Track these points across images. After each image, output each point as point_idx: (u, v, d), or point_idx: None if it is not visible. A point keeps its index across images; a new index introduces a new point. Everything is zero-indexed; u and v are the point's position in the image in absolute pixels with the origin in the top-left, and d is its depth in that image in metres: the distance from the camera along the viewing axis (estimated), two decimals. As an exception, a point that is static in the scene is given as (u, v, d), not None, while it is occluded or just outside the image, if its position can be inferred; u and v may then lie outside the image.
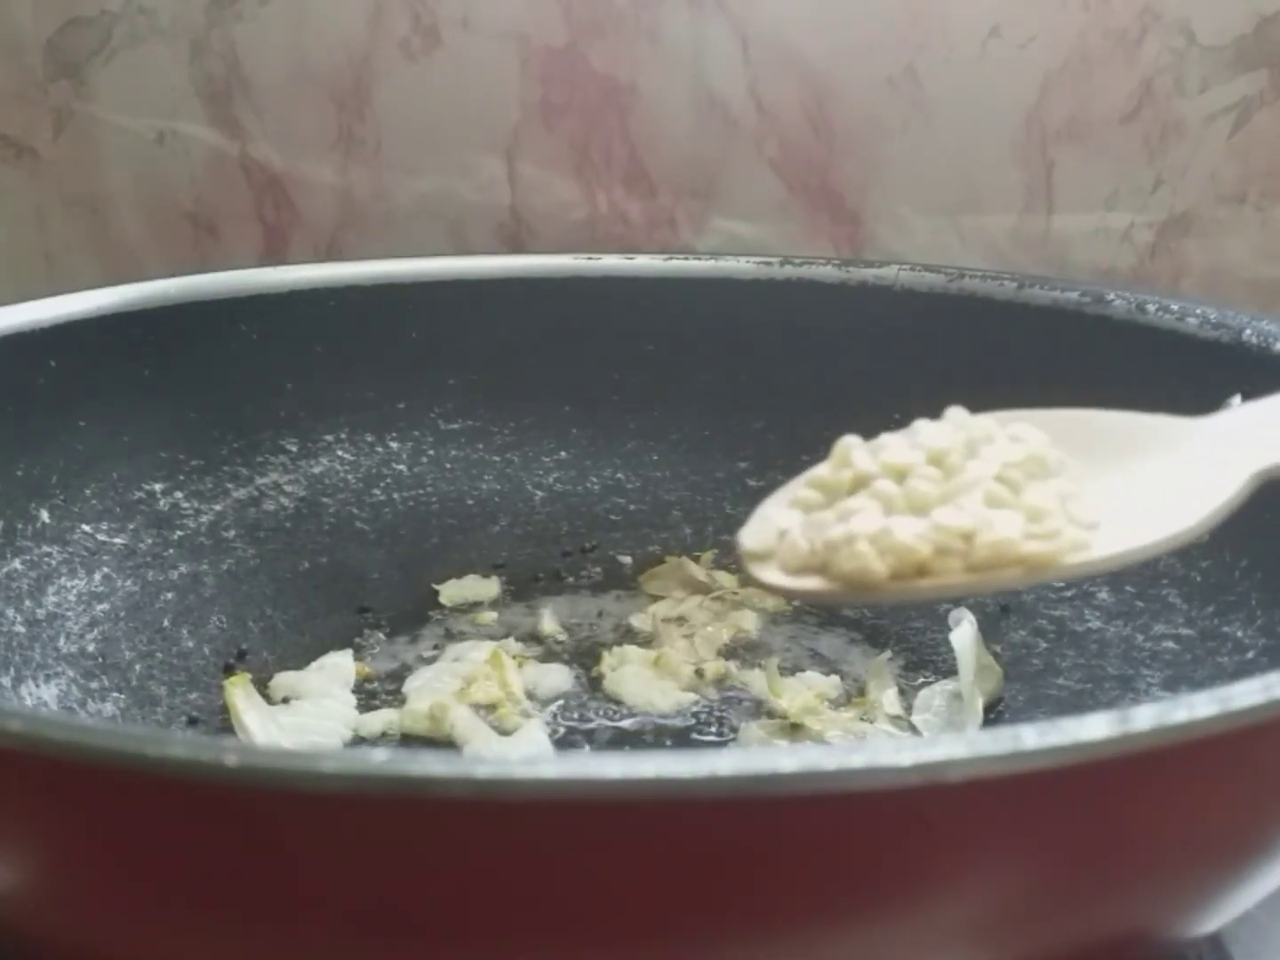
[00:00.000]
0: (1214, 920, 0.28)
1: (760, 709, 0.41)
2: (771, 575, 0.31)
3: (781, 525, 0.31)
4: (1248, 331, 0.42)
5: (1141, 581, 0.43)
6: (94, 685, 0.40)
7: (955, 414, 0.33)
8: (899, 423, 0.32)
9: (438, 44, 0.60)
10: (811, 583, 0.30)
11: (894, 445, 0.32)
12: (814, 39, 0.57)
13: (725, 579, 0.48)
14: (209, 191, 0.63)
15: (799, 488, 0.32)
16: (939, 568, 0.29)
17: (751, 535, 0.32)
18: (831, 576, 0.30)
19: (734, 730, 0.40)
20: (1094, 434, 0.33)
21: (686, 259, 0.52)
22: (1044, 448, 0.31)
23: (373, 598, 0.47)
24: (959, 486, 0.30)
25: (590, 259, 0.51)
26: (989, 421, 0.32)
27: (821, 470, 0.32)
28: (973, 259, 0.57)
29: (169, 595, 0.44)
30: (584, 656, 0.44)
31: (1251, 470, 0.31)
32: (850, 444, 0.32)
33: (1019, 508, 0.30)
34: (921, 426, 0.32)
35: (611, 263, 0.51)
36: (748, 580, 0.32)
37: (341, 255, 0.62)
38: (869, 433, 0.32)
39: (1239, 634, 0.39)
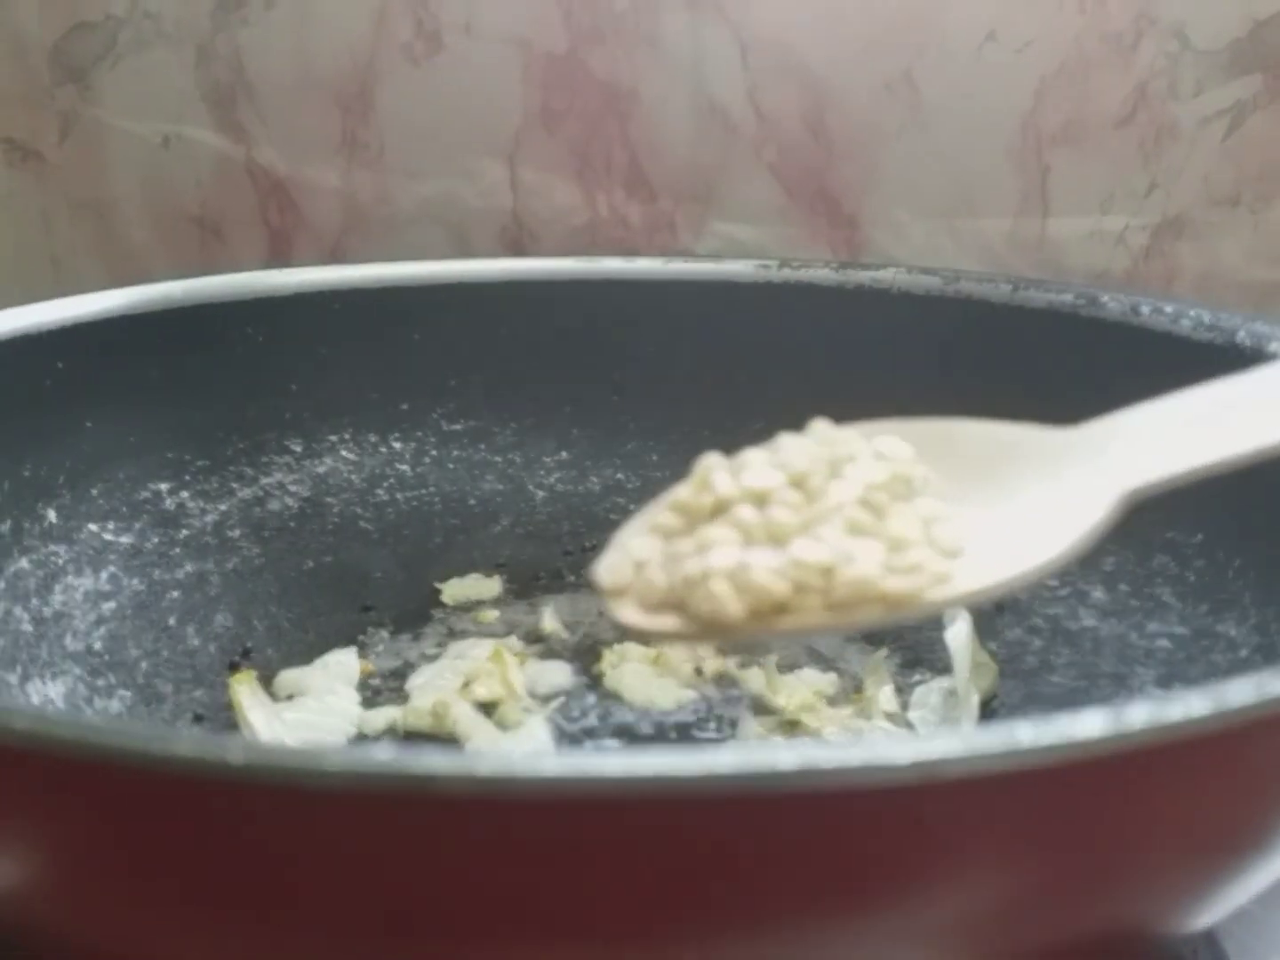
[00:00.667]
0: (1208, 916, 0.28)
1: (758, 706, 0.41)
2: (628, 613, 0.29)
3: (638, 556, 0.29)
4: (1241, 334, 0.42)
5: (1136, 580, 0.43)
6: (100, 683, 0.40)
7: (820, 428, 0.31)
8: None
9: (440, 49, 0.60)
10: (668, 622, 0.28)
11: (756, 465, 0.30)
12: (812, 45, 0.57)
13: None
14: (214, 195, 0.63)
15: (660, 511, 0.30)
16: (797, 605, 0.28)
17: (608, 569, 0.30)
18: (688, 615, 0.28)
19: (732, 727, 0.40)
20: (961, 447, 0.32)
21: (686, 262, 0.52)
22: (909, 465, 0.30)
23: (376, 596, 0.47)
24: (820, 514, 0.29)
25: (591, 262, 0.51)
26: (854, 435, 0.31)
27: (683, 492, 0.30)
28: (969, 262, 0.57)
29: (175, 594, 0.44)
30: (585, 654, 0.44)
31: (1120, 490, 0.29)
32: (711, 465, 0.30)
33: (881, 536, 0.29)
34: (785, 442, 0.31)
35: (612, 266, 0.51)
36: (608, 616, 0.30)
37: (345, 258, 0.62)
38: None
39: (1232, 633, 0.39)
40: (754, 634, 0.28)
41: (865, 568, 0.28)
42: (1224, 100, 0.55)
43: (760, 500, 0.29)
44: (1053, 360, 0.46)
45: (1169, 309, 0.44)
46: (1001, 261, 0.58)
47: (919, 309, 0.48)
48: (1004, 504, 0.30)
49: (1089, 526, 0.29)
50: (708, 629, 0.28)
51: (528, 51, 0.59)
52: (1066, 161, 0.57)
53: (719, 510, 0.29)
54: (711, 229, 0.60)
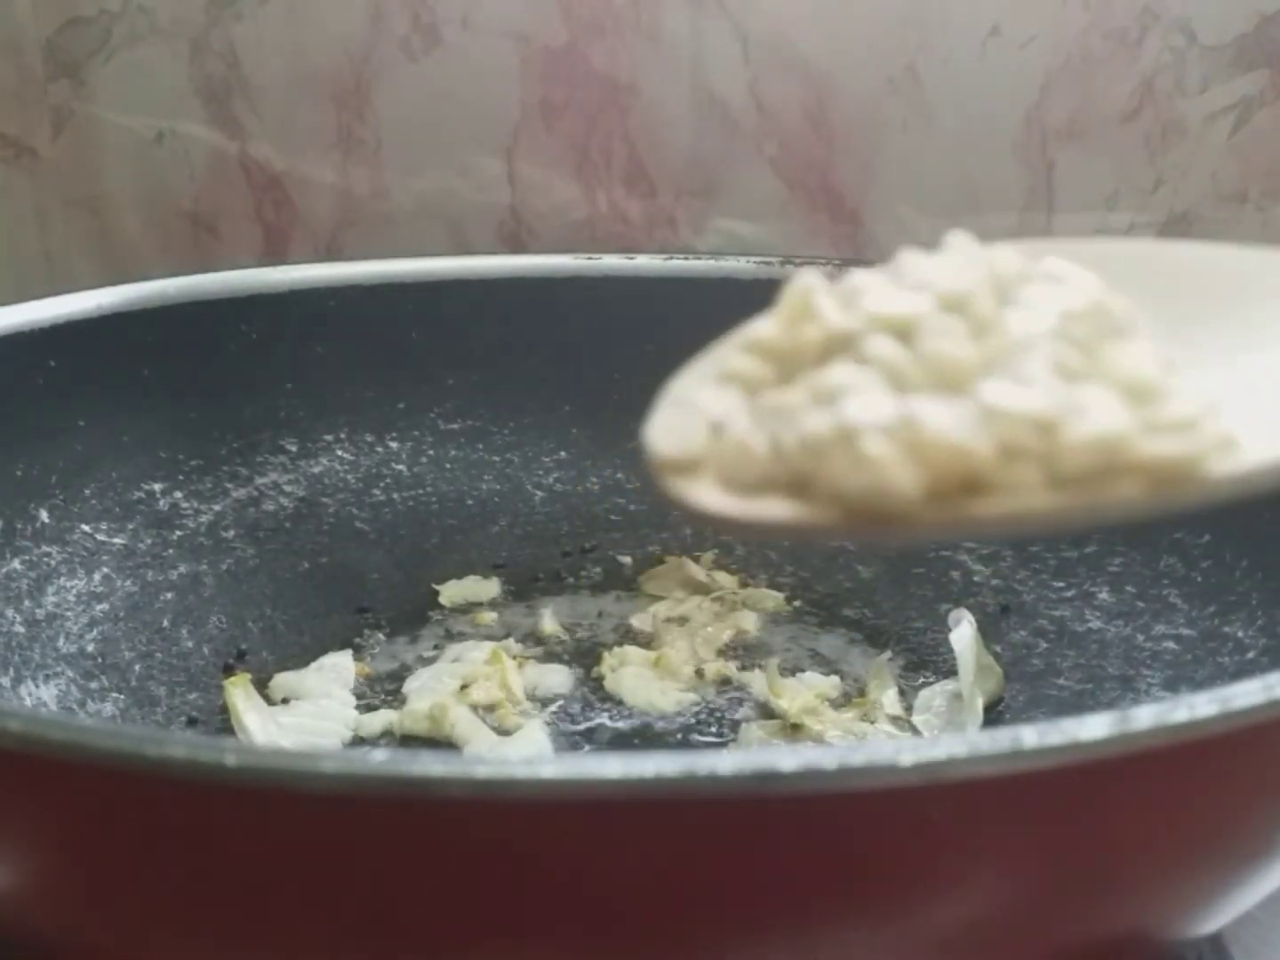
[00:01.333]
0: (1215, 920, 0.28)
1: (760, 709, 0.41)
2: (711, 495, 0.20)
3: (712, 413, 0.21)
4: (1248, 331, 0.42)
5: (1142, 581, 0.43)
6: (93, 685, 0.40)
7: (961, 241, 0.22)
8: None
9: (437, 43, 0.60)
10: (783, 508, 0.19)
11: (878, 288, 0.21)
12: (814, 39, 0.57)
13: (725, 579, 0.48)
14: (209, 191, 0.63)
15: (731, 355, 0.22)
16: (1005, 480, 0.19)
17: (667, 431, 0.21)
18: (820, 497, 0.19)
19: (734, 730, 0.40)
20: (1161, 278, 0.23)
21: (687, 259, 0.52)
22: (1105, 292, 0.21)
23: (372, 598, 0.47)
24: (1005, 348, 0.20)
25: (590, 259, 0.51)
26: (1013, 254, 0.22)
27: (765, 328, 0.22)
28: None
29: (168, 595, 0.44)
30: (584, 657, 0.44)
31: None
32: (811, 287, 0.22)
33: (1110, 381, 0.20)
34: (912, 260, 0.22)
35: (611, 262, 0.51)
36: (670, 500, 0.21)
37: (341, 255, 0.62)
38: None
39: (1239, 634, 0.39)
40: (933, 526, 0.19)
41: (1108, 421, 0.19)
42: (1230, 96, 0.55)
43: (901, 332, 0.20)
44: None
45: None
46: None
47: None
48: (1250, 352, 0.22)
49: None
50: (859, 518, 0.19)
51: (526, 45, 0.59)
52: (1072, 157, 0.57)
53: (830, 351, 0.20)
54: (712, 225, 0.60)
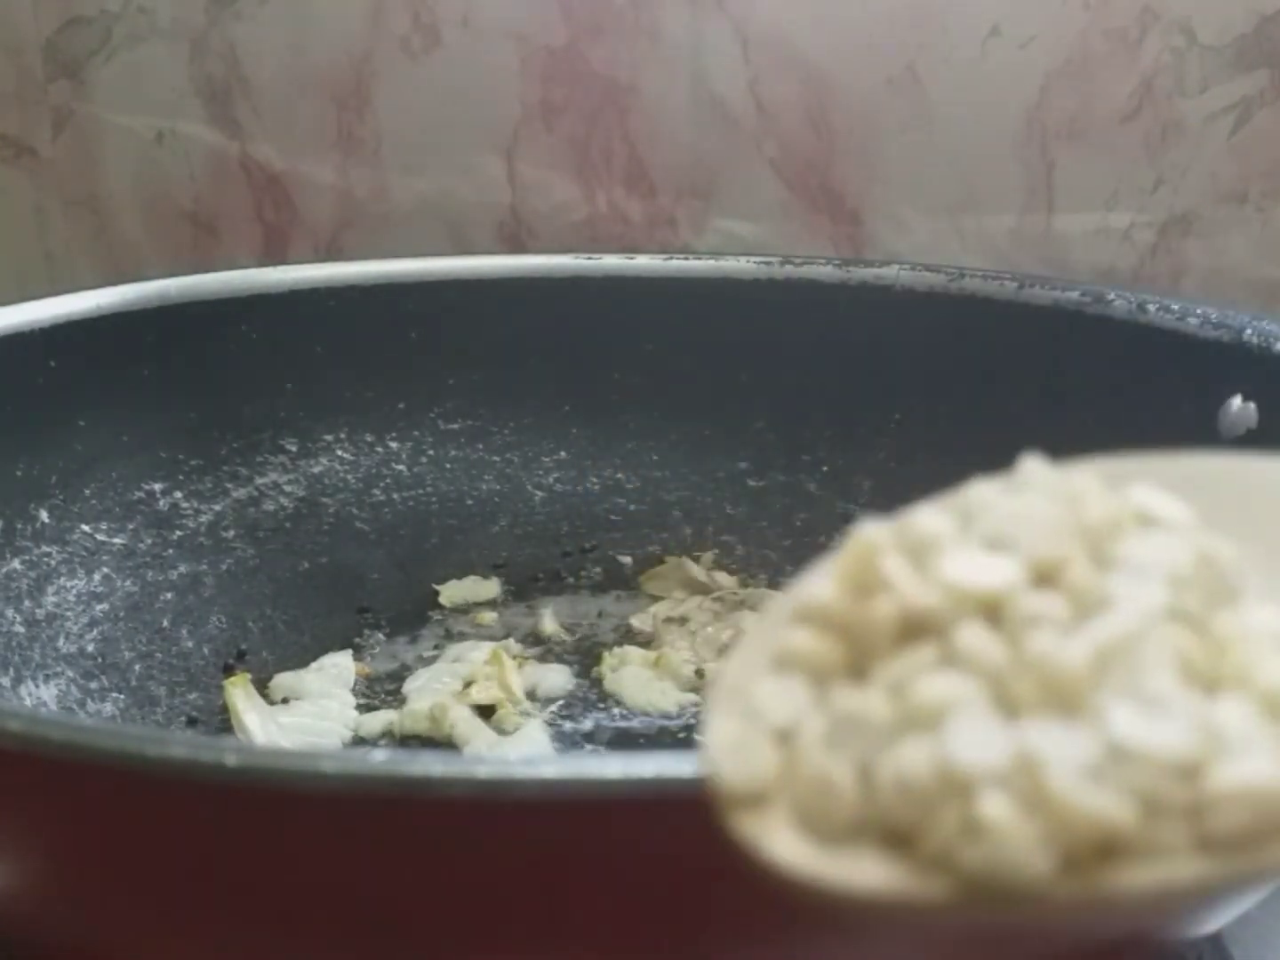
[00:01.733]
0: (1214, 920, 0.28)
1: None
2: (788, 845, 0.16)
3: (776, 718, 0.17)
4: (1248, 331, 0.42)
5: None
6: (93, 685, 0.40)
7: (1039, 471, 0.19)
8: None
9: (437, 43, 0.60)
10: (878, 870, 0.16)
11: (952, 543, 0.18)
12: (814, 39, 0.57)
13: (725, 579, 0.48)
14: (209, 191, 0.63)
15: (783, 621, 0.18)
16: (1147, 842, 0.15)
17: (729, 749, 0.17)
18: (927, 861, 0.16)
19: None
20: (1260, 501, 0.19)
21: (687, 259, 0.52)
22: (1208, 535, 0.18)
23: (372, 598, 0.47)
24: (1120, 641, 0.16)
25: (590, 259, 0.51)
26: (1098, 486, 0.18)
27: (824, 593, 0.18)
28: (973, 259, 0.57)
29: (168, 595, 0.44)
30: (584, 657, 0.44)
31: None
32: (875, 542, 0.18)
33: (1244, 686, 0.16)
34: (985, 498, 0.18)
35: (611, 262, 0.51)
36: (748, 861, 0.16)
37: (341, 255, 0.62)
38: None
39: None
40: (1069, 905, 0.15)
41: (1264, 765, 0.15)
42: (1230, 96, 0.55)
43: (988, 612, 0.17)
44: (1058, 358, 0.46)
45: (1175, 306, 0.44)
46: (1006, 258, 0.58)
47: (922, 306, 0.48)
48: None
49: None
50: (973, 893, 0.15)
51: (526, 45, 0.59)
52: (1072, 157, 0.57)
53: (908, 630, 0.17)
54: (712, 225, 0.60)
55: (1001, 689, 0.16)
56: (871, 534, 0.18)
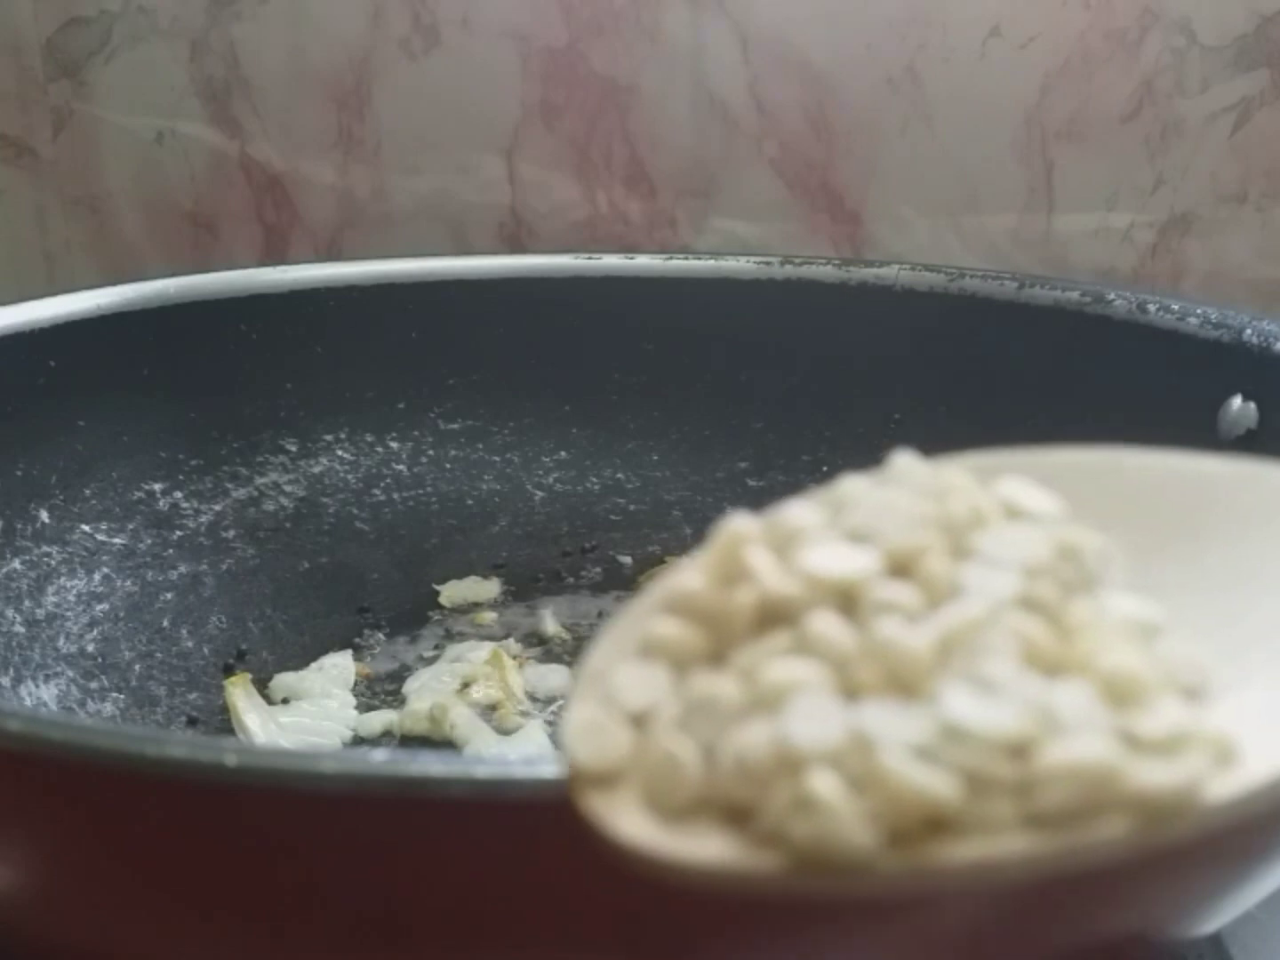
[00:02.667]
0: (1214, 921, 0.28)
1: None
2: (633, 821, 0.17)
3: (632, 703, 0.18)
4: (1248, 331, 0.42)
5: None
6: (93, 685, 0.40)
7: (908, 466, 0.20)
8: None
9: (437, 44, 0.60)
10: (717, 845, 0.16)
11: (816, 532, 0.18)
12: (814, 39, 0.57)
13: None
14: (209, 191, 0.63)
15: (653, 610, 0.19)
16: (974, 818, 0.16)
17: (585, 732, 0.18)
18: (762, 836, 0.16)
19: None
20: (1133, 496, 0.20)
21: (686, 259, 0.52)
22: (1072, 527, 0.18)
23: (372, 598, 0.47)
24: (964, 628, 0.17)
25: (590, 259, 0.51)
26: (965, 477, 0.19)
27: (692, 577, 0.18)
28: (973, 259, 0.57)
29: (168, 595, 0.44)
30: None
31: None
32: (741, 534, 0.18)
33: (1086, 671, 0.17)
34: (854, 491, 0.19)
35: (611, 262, 0.51)
36: (590, 833, 0.17)
37: (341, 255, 0.62)
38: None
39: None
40: (891, 879, 0.16)
41: (1093, 745, 0.16)
42: (1230, 96, 0.55)
43: (844, 600, 0.17)
44: (1058, 358, 0.46)
45: (1176, 306, 0.44)
46: (1006, 258, 0.58)
47: (922, 306, 0.48)
48: (1243, 603, 0.18)
49: None
50: (804, 866, 0.16)
51: (526, 45, 0.59)
52: (1072, 158, 0.57)
53: (767, 617, 0.18)
54: (712, 225, 0.60)
55: (846, 674, 0.17)
56: (739, 526, 0.18)
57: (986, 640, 0.17)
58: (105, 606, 0.43)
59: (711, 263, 0.51)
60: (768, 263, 0.51)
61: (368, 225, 0.62)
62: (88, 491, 0.44)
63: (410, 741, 0.40)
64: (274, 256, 0.62)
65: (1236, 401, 0.40)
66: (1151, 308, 0.44)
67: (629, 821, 0.17)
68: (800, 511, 0.19)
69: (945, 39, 0.56)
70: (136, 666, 0.42)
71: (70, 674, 0.40)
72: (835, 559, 0.18)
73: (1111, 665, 0.17)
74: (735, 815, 0.16)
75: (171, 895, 0.24)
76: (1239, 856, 0.26)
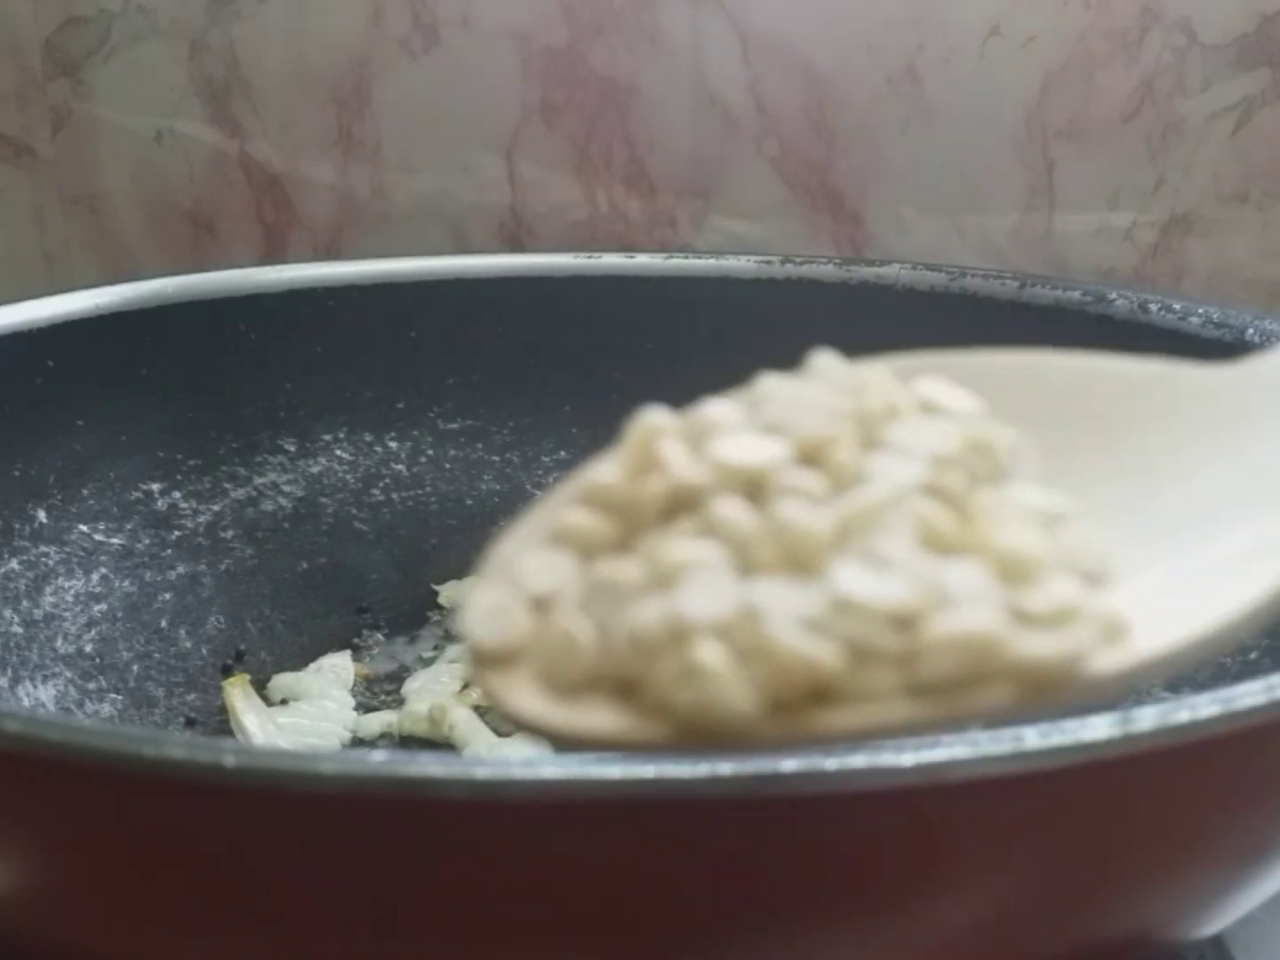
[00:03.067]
0: (1217, 922, 0.28)
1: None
2: (527, 698, 0.17)
3: (537, 587, 0.18)
4: (1250, 331, 0.42)
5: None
6: (91, 686, 0.40)
7: (829, 364, 0.20)
8: None
9: (437, 43, 0.60)
10: (606, 716, 0.17)
11: (732, 426, 0.19)
12: (814, 39, 0.57)
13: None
14: (208, 191, 0.63)
15: (566, 501, 0.20)
16: (857, 686, 0.16)
17: (484, 614, 0.18)
18: (649, 707, 0.17)
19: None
20: (1059, 397, 0.20)
21: (687, 258, 0.52)
22: (988, 424, 0.19)
23: (371, 598, 0.47)
24: (865, 512, 0.17)
25: (590, 258, 0.51)
26: (883, 376, 0.20)
27: (607, 470, 0.20)
28: (973, 258, 0.57)
29: (167, 596, 0.44)
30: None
31: None
32: (655, 426, 0.19)
33: (980, 551, 0.17)
34: (774, 389, 0.20)
35: (611, 261, 0.51)
36: (489, 699, 0.18)
37: (341, 255, 0.62)
38: None
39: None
40: (775, 741, 0.17)
41: (978, 619, 0.16)
42: (1231, 96, 0.55)
43: (752, 488, 0.18)
44: (1059, 358, 0.46)
45: (1177, 306, 0.44)
46: (1007, 258, 0.58)
47: (923, 305, 0.48)
48: (1153, 493, 0.19)
49: None
50: (688, 733, 0.17)
51: (526, 45, 0.59)
52: (1072, 157, 0.57)
53: (677, 505, 0.18)
54: (712, 224, 0.60)
55: (746, 555, 0.17)
56: (653, 419, 0.19)
57: (883, 523, 0.17)
58: (103, 607, 0.43)
59: (712, 262, 0.51)
60: (768, 262, 0.51)
61: (367, 225, 0.62)
62: (86, 491, 0.44)
63: (409, 742, 0.40)
64: (273, 256, 0.62)
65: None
66: (1153, 307, 0.44)
67: (524, 697, 0.17)
68: (717, 407, 0.20)
69: (945, 39, 0.56)
70: (134, 667, 0.42)
71: (68, 674, 0.40)
72: (745, 449, 0.18)
73: (1005, 544, 0.17)
74: (628, 689, 0.17)
75: (169, 896, 0.24)
76: (1241, 856, 0.26)
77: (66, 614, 0.42)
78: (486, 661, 0.18)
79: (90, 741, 0.22)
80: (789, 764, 0.20)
